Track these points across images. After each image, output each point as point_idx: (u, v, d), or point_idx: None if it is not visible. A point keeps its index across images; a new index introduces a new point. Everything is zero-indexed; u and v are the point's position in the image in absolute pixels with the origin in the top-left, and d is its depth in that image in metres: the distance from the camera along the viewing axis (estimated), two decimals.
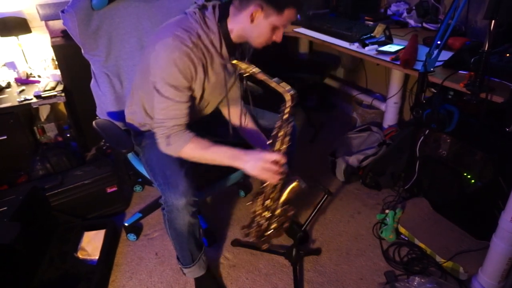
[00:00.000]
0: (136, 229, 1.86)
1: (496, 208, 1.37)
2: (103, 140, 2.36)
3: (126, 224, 1.83)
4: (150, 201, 2.08)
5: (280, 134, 1.23)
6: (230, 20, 1.21)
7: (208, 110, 1.45)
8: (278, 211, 1.37)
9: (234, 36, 1.23)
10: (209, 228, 1.84)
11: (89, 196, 1.89)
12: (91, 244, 1.71)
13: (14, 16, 2.20)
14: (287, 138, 1.25)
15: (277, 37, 1.22)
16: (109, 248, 1.71)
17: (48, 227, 1.74)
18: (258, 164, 1.19)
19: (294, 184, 1.31)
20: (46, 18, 2.17)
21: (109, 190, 1.93)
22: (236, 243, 1.75)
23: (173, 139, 1.23)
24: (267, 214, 1.38)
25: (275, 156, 1.19)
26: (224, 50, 1.25)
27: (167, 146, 1.24)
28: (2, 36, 2.18)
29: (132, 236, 1.83)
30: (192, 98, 1.27)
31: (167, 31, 1.18)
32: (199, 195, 1.28)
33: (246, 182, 2.17)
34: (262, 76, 1.18)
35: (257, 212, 1.39)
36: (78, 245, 1.70)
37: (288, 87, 1.17)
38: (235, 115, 1.50)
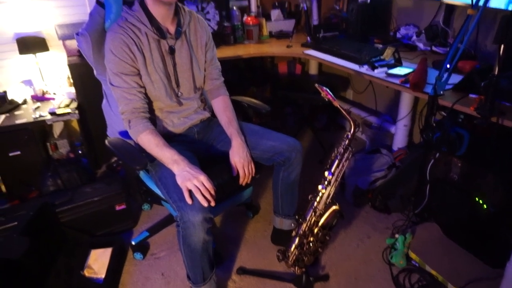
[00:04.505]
0: (143, 248, 1.86)
1: (510, 235, 1.33)
2: (114, 157, 2.39)
3: (133, 243, 1.82)
4: (158, 220, 2.08)
5: (339, 158, 1.35)
6: None
7: (183, 91, 1.51)
8: (318, 235, 1.39)
9: (151, 6, 1.35)
10: (216, 248, 1.83)
11: (98, 213, 1.90)
12: (98, 262, 1.71)
13: (33, 35, 2.29)
14: (346, 163, 1.35)
15: None
16: (115, 267, 1.71)
17: (56, 243, 1.74)
18: (188, 175, 1.24)
19: (334, 207, 1.34)
20: (64, 38, 2.25)
21: (118, 208, 1.94)
22: (241, 271, 1.71)
23: (132, 123, 1.36)
24: (310, 237, 1.40)
25: (206, 180, 1.24)
26: (150, 24, 1.35)
27: (129, 130, 1.37)
28: (20, 53, 2.26)
29: (138, 255, 1.82)
30: (151, 79, 1.39)
31: None
32: (213, 212, 1.29)
33: (254, 203, 2.16)
34: (336, 104, 1.30)
35: (302, 235, 1.41)
36: (85, 263, 1.70)
37: (353, 117, 1.33)
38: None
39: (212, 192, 1.25)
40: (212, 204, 1.24)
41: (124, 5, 1.38)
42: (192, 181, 1.23)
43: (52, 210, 1.78)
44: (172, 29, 1.41)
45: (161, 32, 1.37)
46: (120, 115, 1.38)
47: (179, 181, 1.25)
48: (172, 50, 1.42)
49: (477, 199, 1.55)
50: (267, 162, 1.56)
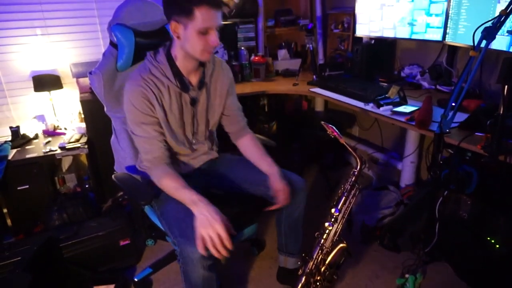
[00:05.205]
0: (146, 285, 1.81)
1: None
2: (120, 192, 2.40)
3: (136, 280, 1.79)
4: (162, 256, 2.04)
5: (346, 194, 1.34)
6: (172, 48, 1.32)
7: (197, 138, 1.52)
8: (325, 274, 1.36)
9: (180, 60, 1.32)
10: (221, 286, 1.78)
11: (102, 248, 1.87)
12: None
13: (49, 73, 2.38)
14: (353, 200, 1.34)
15: (211, 40, 1.23)
16: None
17: (59, 279, 1.71)
18: (205, 221, 1.18)
19: (341, 245, 1.33)
20: (77, 76, 2.34)
21: (122, 243, 1.92)
22: None
23: (152, 170, 1.36)
24: (317, 276, 1.36)
25: (222, 230, 1.17)
26: (173, 78, 1.33)
27: (151, 178, 1.36)
28: (35, 91, 2.34)
29: None
30: (168, 130, 1.38)
31: (128, 79, 1.35)
32: None
33: (259, 239, 2.12)
34: (342, 141, 1.30)
35: (309, 274, 1.38)
36: None
37: (359, 154, 1.32)
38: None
39: (228, 243, 1.18)
40: (225, 254, 1.19)
41: (149, 52, 1.36)
42: (208, 229, 1.17)
43: (56, 245, 1.77)
44: (194, 80, 1.40)
45: (184, 86, 1.35)
46: (142, 161, 1.38)
47: (196, 225, 1.20)
48: (193, 102, 1.41)
49: (488, 238, 1.51)
50: (272, 199, 1.55)
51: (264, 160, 1.52)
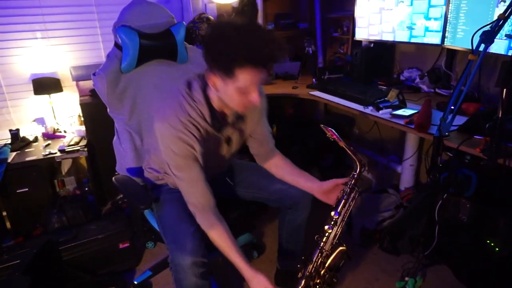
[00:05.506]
0: None
1: None
2: (120, 195, 2.39)
3: (135, 283, 1.78)
4: (162, 258, 2.04)
5: (346, 197, 1.32)
6: (208, 89, 1.21)
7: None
8: (325, 277, 1.36)
9: (216, 102, 1.21)
10: None
11: (101, 251, 1.87)
12: None
13: (49, 76, 2.38)
14: (352, 203, 1.32)
15: (252, 100, 1.12)
16: None
17: (58, 282, 1.71)
18: None
19: (341, 248, 1.33)
20: (77, 79, 2.34)
21: (121, 246, 1.92)
22: None
23: (198, 218, 1.27)
24: (316, 279, 1.36)
25: None
26: (211, 119, 1.24)
27: (198, 222, 1.27)
28: (36, 94, 2.34)
29: None
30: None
31: (160, 115, 1.22)
32: (209, 256, 1.25)
33: (259, 243, 2.12)
34: (342, 144, 1.27)
35: (308, 277, 1.37)
36: None
37: (359, 157, 1.30)
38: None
39: None
40: None
41: (183, 84, 1.24)
42: None
43: (55, 248, 1.76)
44: (229, 112, 1.29)
45: (220, 127, 1.29)
46: (188, 204, 1.30)
47: None
48: (228, 140, 1.36)
49: (488, 241, 1.52)
50: (273, 204, 1.55)
51: (304, 176, 1.49)
